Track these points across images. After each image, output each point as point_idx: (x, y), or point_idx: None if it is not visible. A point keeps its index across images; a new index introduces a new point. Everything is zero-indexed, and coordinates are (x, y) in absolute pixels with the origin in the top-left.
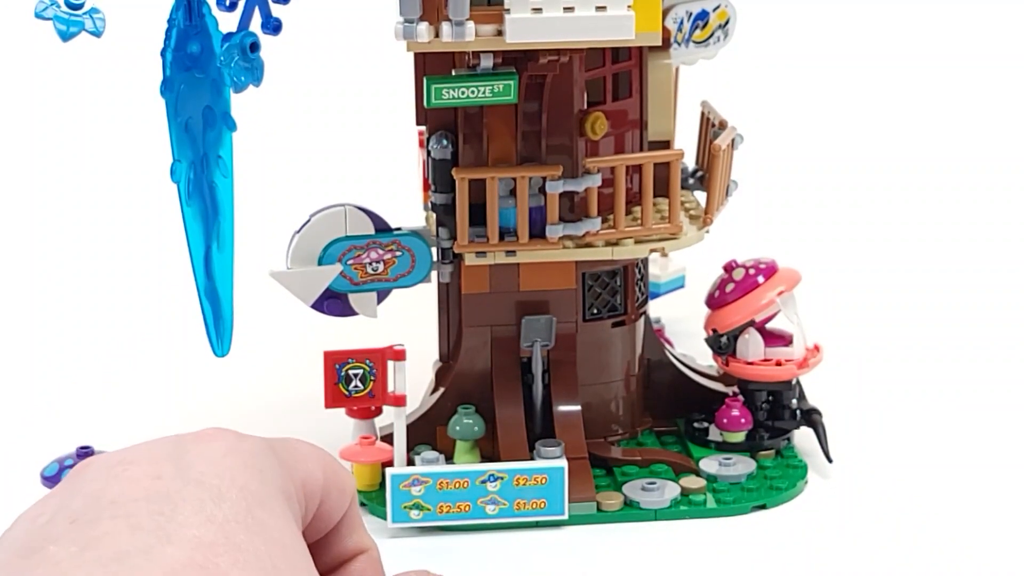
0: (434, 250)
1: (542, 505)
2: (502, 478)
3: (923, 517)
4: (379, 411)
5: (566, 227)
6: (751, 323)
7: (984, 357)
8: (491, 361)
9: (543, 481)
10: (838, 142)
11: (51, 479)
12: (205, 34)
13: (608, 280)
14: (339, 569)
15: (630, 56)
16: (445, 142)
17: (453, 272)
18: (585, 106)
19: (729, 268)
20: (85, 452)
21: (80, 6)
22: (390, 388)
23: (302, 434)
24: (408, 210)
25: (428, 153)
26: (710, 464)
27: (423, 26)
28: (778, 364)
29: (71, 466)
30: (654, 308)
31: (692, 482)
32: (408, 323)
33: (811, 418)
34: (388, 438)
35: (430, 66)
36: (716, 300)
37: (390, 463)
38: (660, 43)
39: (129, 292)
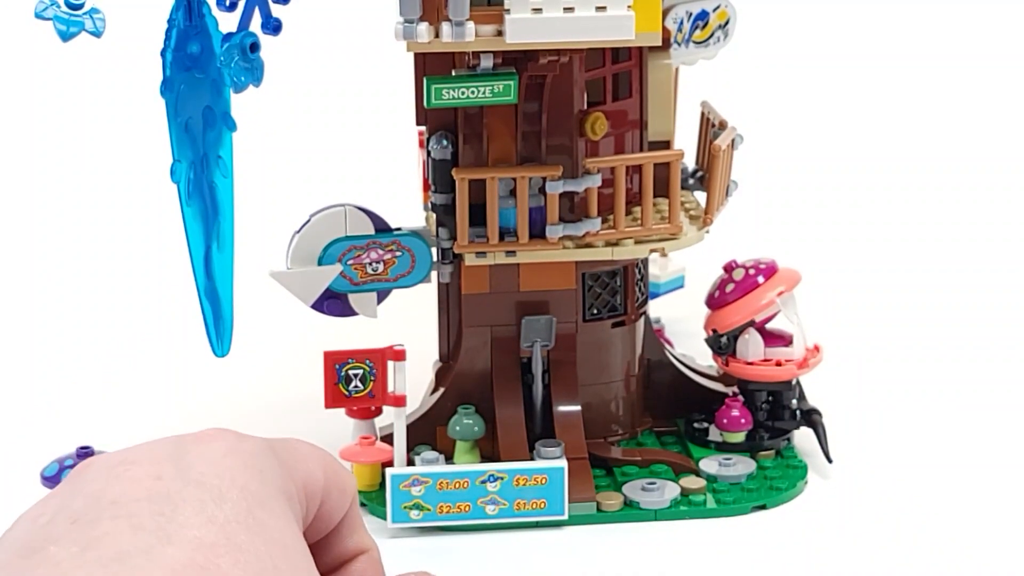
0: (434, 250)
1: (542, 505)
2: (502, 478)
3: (923, 517)
4: (379, 411)
5: (566, 227)
6: (751, 323)
7: (984, 357)
8: (491, 361)
9: (543, 481)
10: (838, 142)
11: (51, 479)
12: (205, 34)
13: (608, 280)
14: (340, 569)
15: (630, 56)
16: (445, 142)
17: (453, 272)
18: (585, 106)
19: (729, 268)
20: (85, 452)
21: (80, 6)
22: (390, 388)
23: (302, 434)
24: (408, 210)
25: (428, 153)
26: (710, 464)
27: (423, 26)
28: (778, 364)
29: (71, 466)
30: (654, 308)
31: (692, 482)
32: (408, 323)
33: (811, 418)
34: (388, 438)
35: (430, 66)
36: (716, 300)
37: (390, 463)
38: (660, 43)
39: (129, 292)
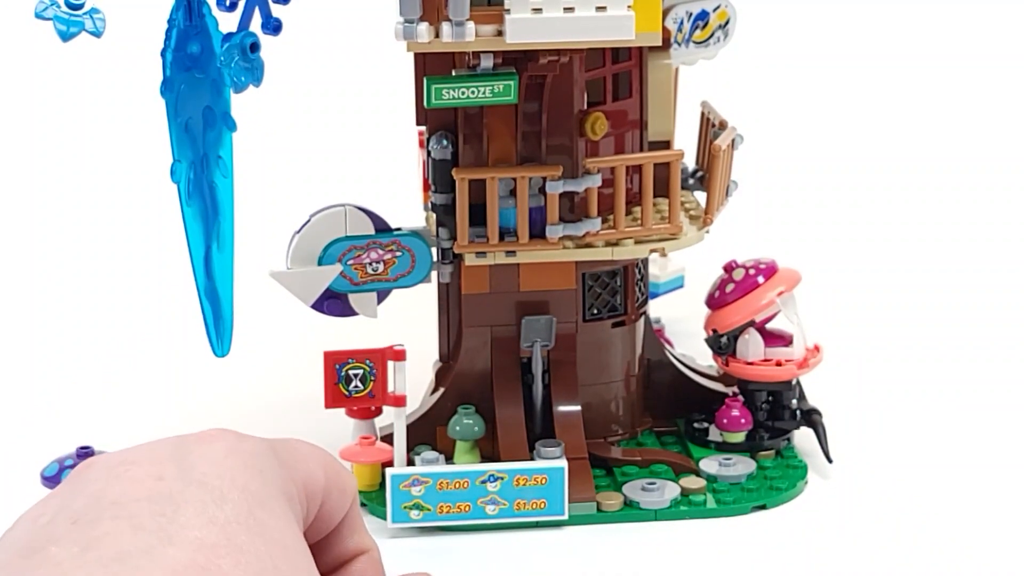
0: (434, 250)
1: (542, 505)
2: (502, 478)
3: (923, 517)
4: (379, 411)
5: (566, 227)
6: (751, 323)
7: (984, 357)
8: (491, 361)
9: (543, 481)
10: (838, 142)
11: (51, 479)
12: (205, 34)
13: (608, 280)
14: (340, 569)
15: (630, 56)
16: (445, 142)
17: (453, 272)
18: (585, 106)
19: (729, 268)
20: (85, 452)
21: (80, 6)
22: (390, 388)
23: (302, 434)
24: (408, 210)
25: (428, 153)
26: (710, 464)
27: (423, 26)
28: (778, 364)
29: (71, 466)
30: (654, 308)
31: (692, 482)
32: (408, 323)
33: (811, 418)
34: (388, 438)
35: (430, 66)
36: (716, 300)
37: (390, 463)
38: (660, 43)
39: (129, 292)
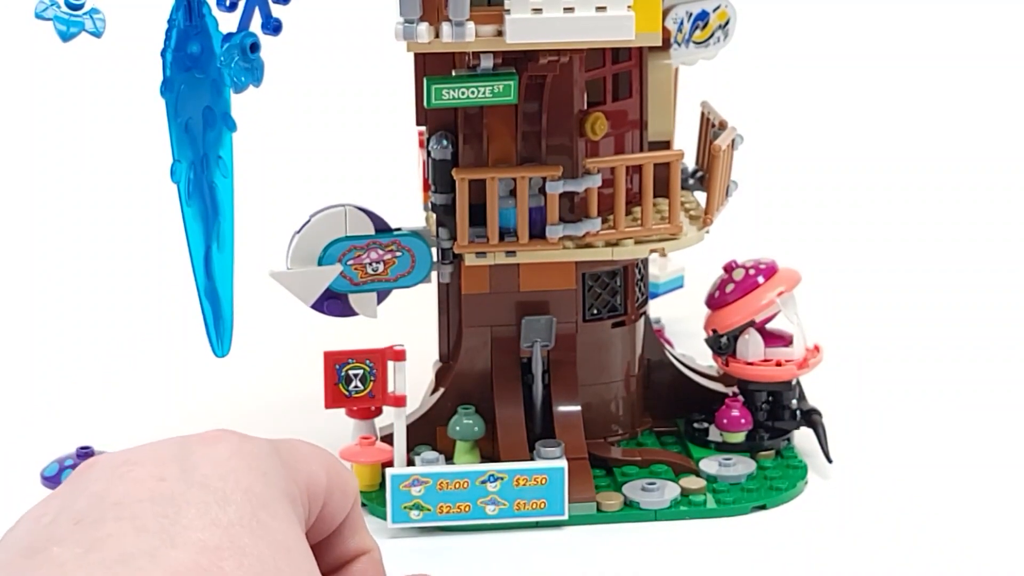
0: (434, 250)
1: (542, 505)
2: (502, 478)
3: (923, 517)
4: (379, 411)
5: (566, 227)
6: (751, 323)
7: (984, 357)
8: (491, 361)
9: (543, 481)
10: (838, 142)
11: (51, 479)
12: (205, 34)
13: (608, 280)
14: (341, 570)
15: (630, 56)
16: (445, 142)
17: (453, 272)
18: (585, 106)
19: (729, 268)
20: (85, 452)
21: (80, 6)
22: (390, 388)
23: (302, 434)
24: (408, 210)
25: (428, 153)
26: (710, 464)
27: (423, 26)
28: (778, 364)
29: (71, 466)
30: (654, 308)
31: (692, 482)
32: (408, 323)
33: (811, 418)
34: (388, 438)
35: (430, 66)
36: (716, 300)
37: (390, 463)
38: (660, 43)
39: (129, 292)
